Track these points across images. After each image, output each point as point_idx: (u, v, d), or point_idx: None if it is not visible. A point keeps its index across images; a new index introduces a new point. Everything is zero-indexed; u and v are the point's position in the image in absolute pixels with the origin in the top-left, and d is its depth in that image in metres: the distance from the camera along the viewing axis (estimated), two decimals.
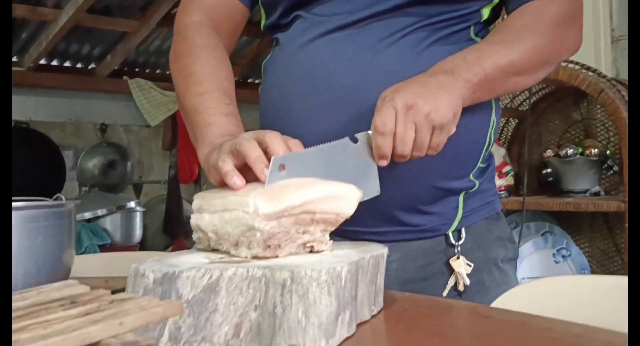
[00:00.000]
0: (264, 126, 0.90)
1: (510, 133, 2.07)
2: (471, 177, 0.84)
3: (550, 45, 0.78)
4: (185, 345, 0.51)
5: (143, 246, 3.44)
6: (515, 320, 0.60)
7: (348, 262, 0.54)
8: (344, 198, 0.64)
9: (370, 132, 0.68)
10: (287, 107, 0.82)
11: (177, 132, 3.88)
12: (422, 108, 0.66)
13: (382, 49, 0.78)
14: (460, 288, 0.81)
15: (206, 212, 0.64)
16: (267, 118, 0.88)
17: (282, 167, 0.61)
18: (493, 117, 0.85)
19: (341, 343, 0.51)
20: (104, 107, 3.80)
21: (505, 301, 0.76)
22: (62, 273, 0.76)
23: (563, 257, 1.72)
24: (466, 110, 0.77)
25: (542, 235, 1.78)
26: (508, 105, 1.99)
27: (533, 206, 1.69)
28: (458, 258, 0.82)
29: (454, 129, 0.70)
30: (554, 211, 1.71)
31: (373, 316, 0.61)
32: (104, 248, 3.03)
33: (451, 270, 0.83)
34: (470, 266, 0.82)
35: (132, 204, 3.25)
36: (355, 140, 0.68)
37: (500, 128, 2.06)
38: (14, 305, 0.41)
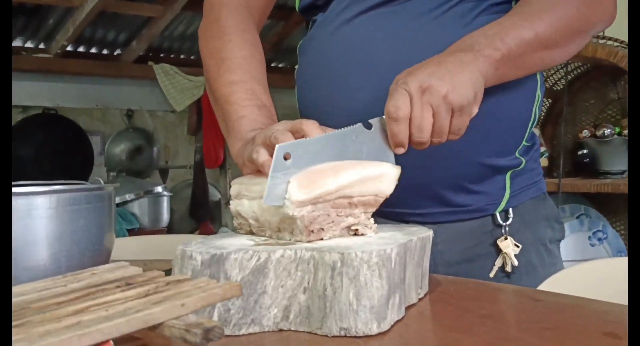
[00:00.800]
0: (302, 108, 0.89)
1: (543, 114, 2.02)
2: (517, 154, 0.82)
3: (580, 14, 0.72)
4: (235, 327, 0.50)
5: (170, 230, 3.48)
6: (568, 303, 0.58)
7: (397, 244, 0.53)
8: (381, 178, 0.62)
9: (384, 117, 0.63)
10: (328, 87, 0.81)
11: (202, 117, 3.89)
12: (438, 89, 0.60)
13: (428, 22, 0.76)
14: (508, 269, 0.80)
15: (245, 198, 0.63)
16: (306, 100, 0.86)
17: (287, 155, 0.57)
18: (538, 92, 0.83)
19: (392, 326, 0.50)
20: (130, 92, 3.82)
21: (551, 285, 0.74)
22: (104, 255, 0.76)
23: (599, 239, 1.68)
24: (511, 85, 0.74)
25: (578, 217, 1.74)
26: None
27: (569, 188, 1.65)
28: (506, 238, 0.80)
29: (476, 110, 0.65)
30: (589, 193, 1.67)
31: (420, 299, 0.60)
32: (132, 232, 3.07)
33: (498, 251, 0.81)
34: (518, 247, 0.80)
35: (159, 189, 3.28)
36: (369, 126, 0.63)
37: None
38: (69, 286, 0.41)
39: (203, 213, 3.75)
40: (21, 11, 3.13)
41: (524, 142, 0.83)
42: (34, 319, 0.33)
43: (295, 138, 0.60)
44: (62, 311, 0.34)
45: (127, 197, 3.13)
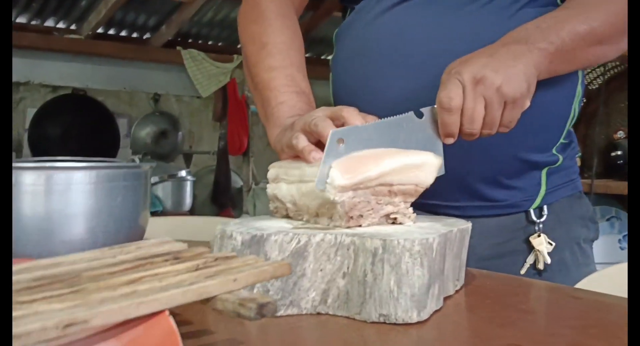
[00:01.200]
0: (337, 95, 0.88)
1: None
2: (554, 150, 0.81)
3: None
4: (271, 315, 0.50)
5: (192, 214, 3.50)
6: (608, 302, 0.57)
7: (438, 234, 0.53)
8: (422, 168, 0.61)
9: (436, 106, 0.63)
10: (366, 74, 0.80)
11: (227, 104, 3.90)
12: (492, 81, 0.60)
13: (470, 13, 0.75)
14: (540, 266, 0.79)
15: (283, 181, 0.63)
16: (342, 87, 0.86)
17: (340, 141, 0.57)
18: (579, 89, 0.82)
19: (430, 315, 0.50)
20: (157, 76, 3.86)
21: (587, 285, 0.73)
22: (138, 233, 0.77)
23: None
24: (552, 80, 0.73)
25: (608, 220, 1.71)
26: None
27: (601, 189, 1.62)
28: (539, 235, 0.79)
29: (528, 103, 0.64)
30: (621, 195, 1.63)
31: (456, 291, 0.59)
32: (155, 215, 3.10)
33: (530, 248, 0.80)
34: (551, 245, 0.79)
35: (183, 173, 3.31)
36: (420, 115, 0.63)
37: None
38: (118, 257, 0.41)
39: (225, 200, 3.78)
40: None
41: (561, 140, 0.82)
42: (89, 287, 0.34)
43: (336, 125, 0.60)
44: (115, 280, 0.34)
45: (152, 179, 3.16)
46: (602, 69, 1.81)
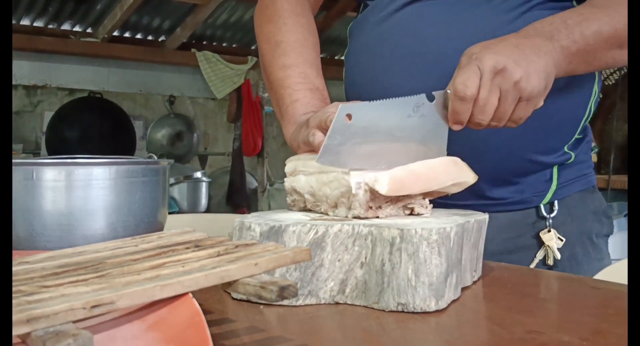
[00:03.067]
0: (349, 90, 0.89)
1: None
2: (566, 149, 0.80)
3: None
4: (292, 298, 0.51)
5: None
6: (627, 292, 0.56)
7: (455, 224, 0.53)
8: (458, 185, 0.63)
9: (449, 91, 0.61)
10: (377, 71, 0.80)
11: (241, 105, 3.93)
12: (512, 74, 0.58)
13: (482, 13, 0.75)
14: (550, 262, 0.78)
15: (301, 173, 0.64)
16: (354, 82, 0.86)
17: (349, 116, 0.57)
18: (595, 88, 0.81)
19: (448, 305, 0.50)
20: (172, 79, 3.89)
21: (602, 278, 0.72)
22: (157, 229, 0.78)
23: None
24: (570, 82, 0.72)
25: (626, 215, 1.69)
26: None
27: (618, 184, 1.60)
28: (549, 231, 0.78)
29: (541, 102, 0.62)
30: None
31: (474, 282, 0.59)
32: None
33: (540, 244, 0.79)
34: (562, 240, 0.78)
35: (198, 174, 3.34)
36: (431, 98, 0.61)
37: None
38: (140, 246, 0.42)
39: (240, 200, 3.80)
40: None
41: (575, 136, 0.81)
42: (113, 272, 0.34)
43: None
44: (139, 266, 0.35)
45: None
46: None
